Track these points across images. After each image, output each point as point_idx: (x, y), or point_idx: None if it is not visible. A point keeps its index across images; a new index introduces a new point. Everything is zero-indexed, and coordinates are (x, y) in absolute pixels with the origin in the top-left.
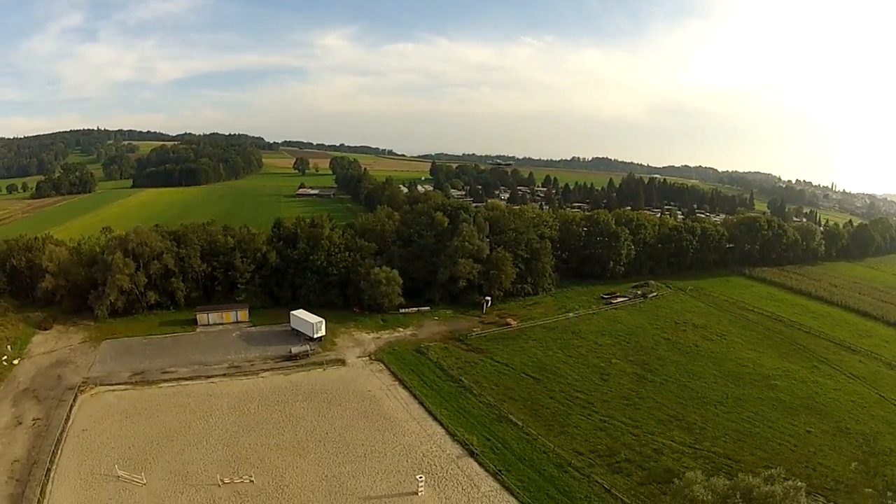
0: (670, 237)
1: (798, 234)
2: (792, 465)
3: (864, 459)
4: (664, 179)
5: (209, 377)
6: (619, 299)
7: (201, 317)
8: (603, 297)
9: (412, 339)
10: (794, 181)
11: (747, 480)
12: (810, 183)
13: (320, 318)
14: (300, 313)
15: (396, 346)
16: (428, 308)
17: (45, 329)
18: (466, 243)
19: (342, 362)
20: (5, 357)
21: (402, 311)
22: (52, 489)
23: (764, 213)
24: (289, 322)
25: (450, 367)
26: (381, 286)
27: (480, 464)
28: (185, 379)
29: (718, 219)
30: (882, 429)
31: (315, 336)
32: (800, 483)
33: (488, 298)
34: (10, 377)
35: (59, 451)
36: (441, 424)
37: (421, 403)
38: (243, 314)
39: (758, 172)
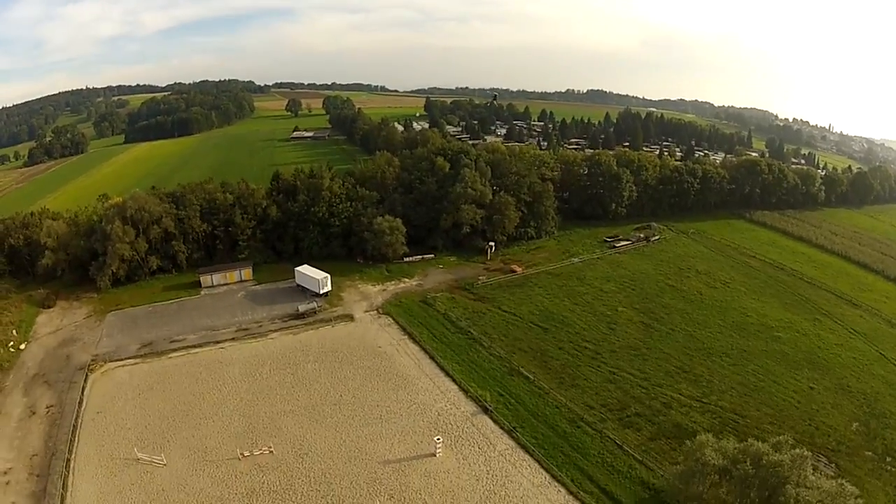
0: (671, 179)
1: (798, 178)
2: (796, 422)
3: (865, 420)
4: (661, 114)
5: (218, 342)
6: (623, 243)
7: (205, 278)
8: (606, 240)
9: (418, 289)
10: (790, 119)
11: (757, 446)
12: (807, 122)
13: (326, 274)
14: (305, 269)
15: (403, 297)
16: (432, 255)
17: (49, 307)
18: (469, 189)
19: (350, 318)
20: (11, 343)
21: (407, 259)
22: (74, 480)
23: (763, 155)
24: (293, 278)
25: (458, 319)
26: (384, 236)
27: (495, 421)
28: (195, 346)
29: (718, 158)
30: (882, 389)
31: (321, 292)
32: (806, 452)
33: (492, 244)
34: (19, 363)
35: (75, 439)
36: (454, 380)
37: (432, 358)
38: (247, 272)
39: (754, 109)
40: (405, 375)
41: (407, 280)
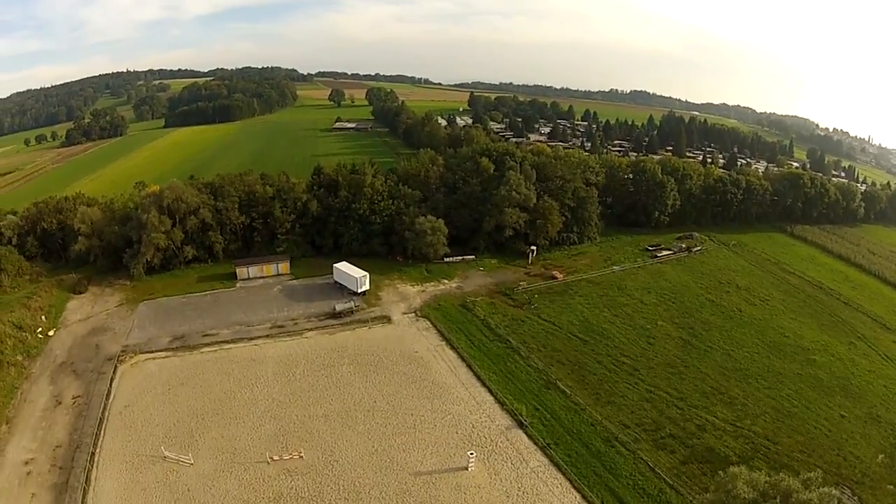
0: (715, 189)
1: (839, 193)
2: (825, 451)
3: (891, 453)
4: (705, 119)
5: (252, 339)
6: (664, 252)
7: (241, 270)
8: (648, 249)
9: (457, 292)
10: (831, 129)
11: (787, 482)
12: (847, 133)
13: (364, 272)
14: (343, 266)
15: (442, 300)
16: (473, 257)
17: (80, 293)
18: (514, 192)
19: (388, 319)
20: (40, 329)
21: (447, 260)
22: (97, 475)
23: (805, 166)
24: (331, 274)
25: (497, 326)
26: (426, 236)
27: (529, 436)
28: (228, 342)
29: (760, 166)
30: None
31: (359, 291)
32: (835, 491)
33: (534, 248)
34: (47, 350)
35: (101, 433)
36: (489, 391)
37: (469, 367)
38: (284, 266)
39: (796, 117)
40: (441, 384)
41: (447, 281)
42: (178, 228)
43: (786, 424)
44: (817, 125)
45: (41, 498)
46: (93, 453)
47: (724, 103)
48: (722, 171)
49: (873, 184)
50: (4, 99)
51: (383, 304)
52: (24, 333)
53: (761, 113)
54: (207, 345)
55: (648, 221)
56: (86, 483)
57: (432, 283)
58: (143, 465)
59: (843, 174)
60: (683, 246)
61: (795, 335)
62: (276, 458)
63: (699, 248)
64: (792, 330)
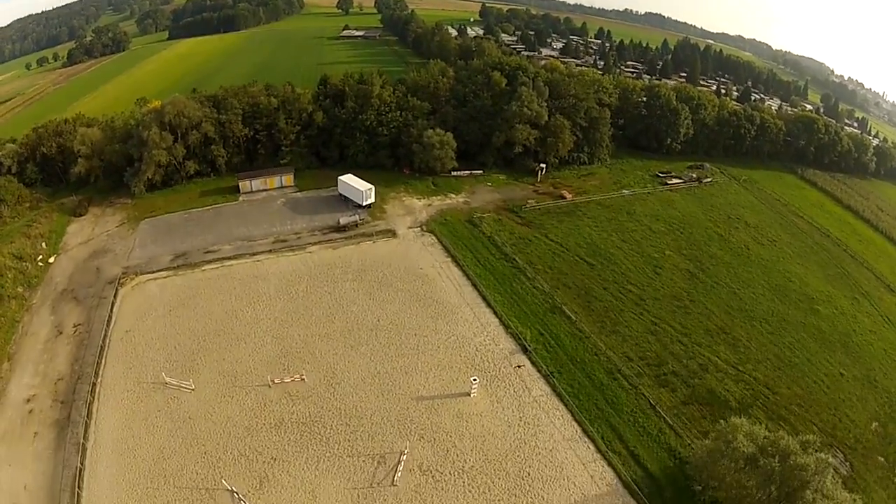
0: (729, 122)
1: (852, 143)
2: (822, 409)
3: (884, 422)
4: (720, 49)
5: (254, 254)
6: (675, 180)
7: (244, 184)
8: (658, 175)
9: (465, 207)
10: (846, 78)
11: (786, 441)
12: (862, 84)
13: (370, 185)
14: (348, 178)
15: (448, 215)
16: (481, 172)
17: (81, 215)
18: (525, 108)
19: (392, 233)
20: (41, 257)
21: (455, 174)
22: (99, 407)
23: (819, 111)
24: (336, 186)
25: (503, 244)
26: (434, 149)
27: (533, 363)
28: (230, 258)
29: (773, 104)
30: None
31: (364, 204)
32: (830, 458)
33: (543, 165)
34: (47, 279)
35: (102, 361)
36: (495, 313)
37: (474, 286)
38: (288, 179)
39: (812, 59)
40: (446, 303)
41: (454, 196)
42: (179, 144)
43: (786, 374)
44: (832, 71)
45: (43, 436)
46: (94, 384)
47: (739, 35)
48: (736, 104)
49: (885, 140)
50: (5, 27)
51: (388, 218)
52: (24, 264)
53: (777, 50)
54: (209, 262)
55: (660, 147)
56: (88, 417)
57: (439, 197)
58: (145, 392)
59: (855, 124)
60: (694, 176)
61: (801, 282)
62: (277, 381)
63: (710, 179)
64: (798, 276)
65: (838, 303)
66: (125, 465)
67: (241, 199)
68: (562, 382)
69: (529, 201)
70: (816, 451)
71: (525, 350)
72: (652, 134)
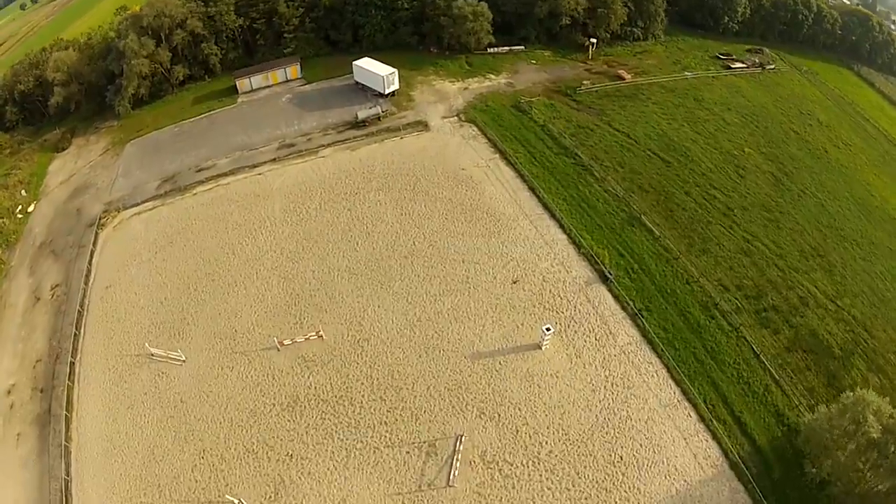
0: (787, 5)
1: None
2: None
3: None
4: None
5: (255, 166)
6: (737, 64)
7: (241, 82)
8: (719, 57)
9: (508, 90)
10: None
11: None
12: None
13: (392, 69)
14: (365, 63)
15: (489, 100)
16: (522, 48)
17: (63, 149)
18: None
19: (424, 126)
20: (20, 208)
21: (491, 50)
22: (80, 394)
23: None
24: (351, 74)
25: (560, 134)
26: (466, 22)
27: (615, 297)
28: (226, 175)
29: None
30: None
31: (386, 92)
32: None
33: (593, 40)
34: (26, 232)
35: (81, 332)
36: (560, 226)
37: (532, 190)
38: (293, 70)
39: None
40: (498, 214)
41: (493, 76)
42: (163, 48)
43: (881, 313)
44: None
45: (27, 437)
46: (72, 364)
47: None
48: None
49: None
50: None
51: (417, 107)
52: (2, 220)
53: None
54: (202, 182)
55: (716, 26)
56: (68, 410)
57: (476, 79)
58: (128, 370)
59: (892, 27)
60: (756, 61)
61: (881, 198)
62: (287, 342)
63: (772, 66)
64: (878, 189)
65: None
66: (114, 472)
67: (239, 100)
68: (652, 324)
69: (584, 82)
70: None
71: (605, 279)
72: (707, 10)
